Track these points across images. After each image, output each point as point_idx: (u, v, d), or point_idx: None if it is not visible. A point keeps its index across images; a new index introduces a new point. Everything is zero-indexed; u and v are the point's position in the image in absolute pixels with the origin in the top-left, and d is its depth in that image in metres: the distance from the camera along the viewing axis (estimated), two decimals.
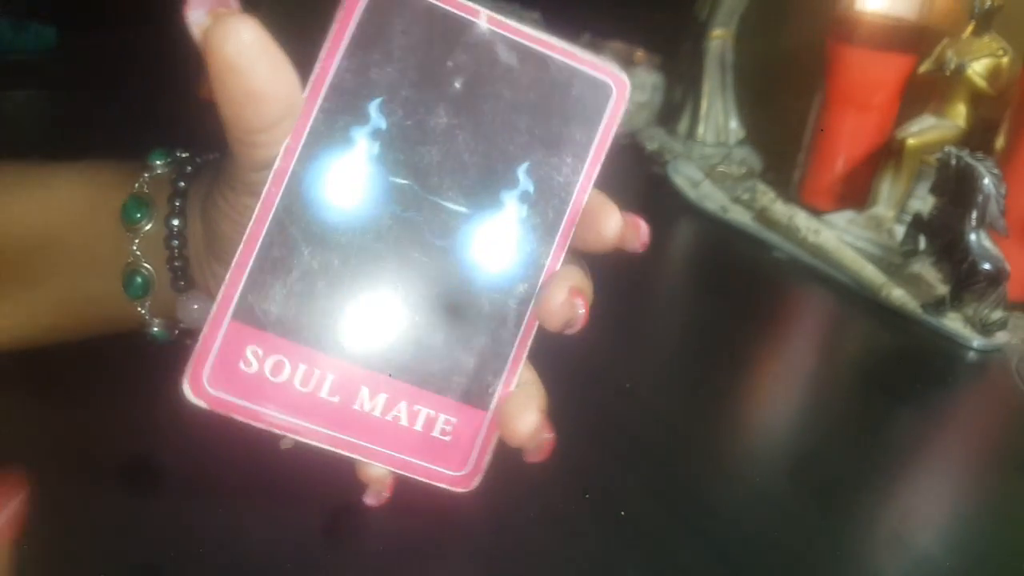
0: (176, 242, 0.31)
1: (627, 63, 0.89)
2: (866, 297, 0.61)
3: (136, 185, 0.32)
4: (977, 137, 0.64)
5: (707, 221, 0.73)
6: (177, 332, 0.35)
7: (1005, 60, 0.63)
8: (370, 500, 0.25)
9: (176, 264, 0.31)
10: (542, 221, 0.25)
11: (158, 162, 0.32)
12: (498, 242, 0.25)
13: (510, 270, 0.25)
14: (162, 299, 0.32)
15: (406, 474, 0.25)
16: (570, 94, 0.25)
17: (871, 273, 0.61)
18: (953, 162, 0.55)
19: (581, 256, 0.27)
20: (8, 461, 0.32)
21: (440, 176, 0.24)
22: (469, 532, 0.31)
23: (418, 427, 0.25)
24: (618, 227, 0.25)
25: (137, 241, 0.31)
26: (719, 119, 0.87)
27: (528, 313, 0.25)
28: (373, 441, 0.24)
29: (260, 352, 0.23)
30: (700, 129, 0.86)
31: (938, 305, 0.56)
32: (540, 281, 0.25)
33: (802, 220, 0.68)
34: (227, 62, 0.21)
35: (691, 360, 0.50)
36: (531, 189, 0.25)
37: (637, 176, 0.82)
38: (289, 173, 0.23)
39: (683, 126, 0.88)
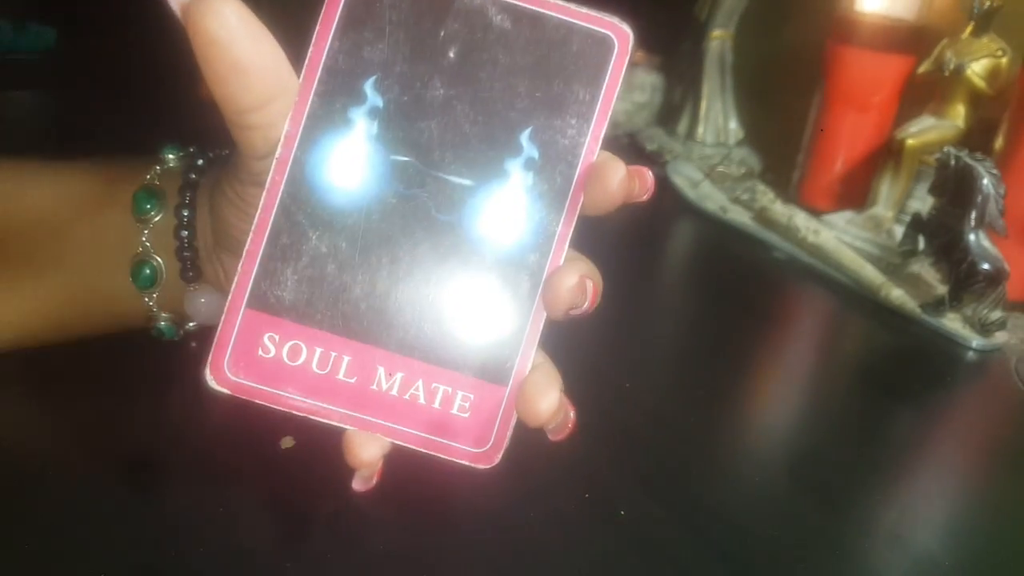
0: (186, 232, 0.31)
1: None
2: (865, 297, 0.61)
3: (147, 177, 0.32)
4: (976, 137, 0.64)
5: (706, 221, 0.73)
6: (183, 332, 0.35)
7: (1004, 60, 0.63)
8: (357, 485, 0.25)
9: (186, 254, 0.31)
10: (550, 187, 0.24)
11: (170, 156, 0.33)
12: (506, 213, 0.24)
13: (520, 240, 0.25)
14: (170, 292, 0.33)
15: (426, 451, 0.25)
16: (570, 51, 0.24)
17: (870, 273, 0.61)
18: (952, 162, 0.55)
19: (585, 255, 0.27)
20: (11, 459, 0.32)
21: (441, 150, 0.24)
22: (469, 532, 0.31)
23: (436, 405, 0.25)
24: (623, 177, 0.24)
25: (147, 232, 0.32)
26: (718, 119, 0.87)
27: (542, 284, 0.25)
28: (392, 420, 0.24)
29: (277, 338, 0.24)
30: (699, 129, 0.86)
31: (937, 305, 0.56)
32: (552, 250, 0.25)
33: (801, 220, 0.68)
34: (209, 36, 0.22)
35: (691, 360, 0.50)
36: (536, 155, 0.24)
37: None
38: (291, 160, 0.23)
39: (683, 126, 0.88)
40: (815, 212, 0.71)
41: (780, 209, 0.70)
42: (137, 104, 0.68)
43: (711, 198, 0.75)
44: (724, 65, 0.86)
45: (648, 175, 0.26)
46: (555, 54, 0.24)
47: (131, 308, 0.33)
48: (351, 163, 0.24)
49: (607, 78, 0.25)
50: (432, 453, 0.25)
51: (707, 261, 0.70)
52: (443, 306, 0.24)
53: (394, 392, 0.24)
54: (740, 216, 0.73)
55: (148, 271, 0.32)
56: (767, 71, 0.85)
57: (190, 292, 0.32)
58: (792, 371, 0.52)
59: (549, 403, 0.25)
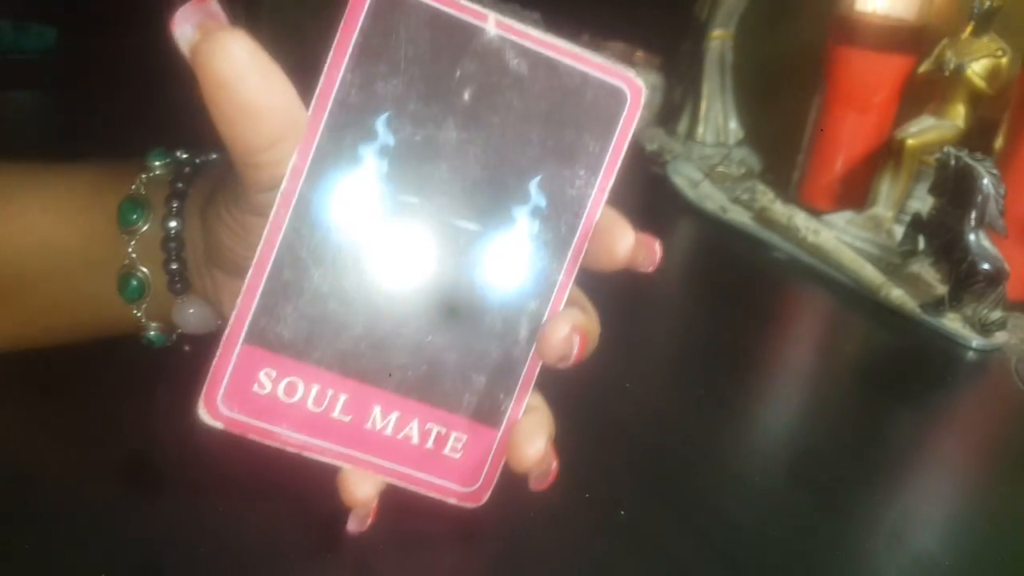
0: (173, 244, 0.30)
1: (627, 63, 0.89)
2: (865, 297, 0.61)
3: (133, 186, 0.31)
4: (976, 137, 0.64)
5: (706, 221, 0.73)
6: (175, 337, 0.34)
7: (1004, 60, 0.63)
8: (352, 526, 0.25)
9: (173, 267, 0.30)
10: (555, 236, 0.24)
11: (156, 163, 0.32)
12: (510, 259, 0.24)
13: (522, 288, 0.24)
14: (158, 302, 0.32)
15: (417, 489, 0.25)
16: (583, 101, 0.24)
17: (870, 273, 0.61)
18: (952, 162, 0.55)
19: (586, 290, 0.27)
20: (9, 460, 0.32)
21: (450, 193, 0.23)
22: (468, 531, 0.31)
23: (429, 445, 0.25)
24: (630, 246, 0.24)
25: (133, 243, 0.31)
26: (718, 119, 0.87)
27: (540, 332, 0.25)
28: (385, 459, 0.25)
29: (273, 374, 0.24)
30: (700, 129, 0.86)
31: (937, 305, 0.56)
32: (552, 298, 0.25)
33: (801, 220, 0.68)
34: (218, 78, 0.21)
35: (691, 360, 0.50)
36: (543, 204, 0.24)
37: (637, 176, 0.82)
38: (297, 194, 0.23)
39: (683, 126, 0.88)
40: (815, 212, 0.71)
41: (780, 209, 0.70)
42: (137, 104, 0.68)
43: (711, 198, 0.75)
44: (724, 65, 0.86)
45: (656, 248, 0.25)
46: (568, 103, 0.24)
47: (121, 317, 0.32)
48: (358, 202, 0.23)
49: (618, 131, 0.25)
50: (421, 491, 0.25)
51: (707, 261, 0.70)
52: (441, 348, 0.24)
53: (388, 431, 0.25)
54: (740, 216, 0.73)
55: (135, 283, 0.31)
56: (767, 71, 0.85)
57: (178, 303, 0.31)
58: (792, 371, 0.52)
59: (535, 451, 0.25)
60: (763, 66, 0.85)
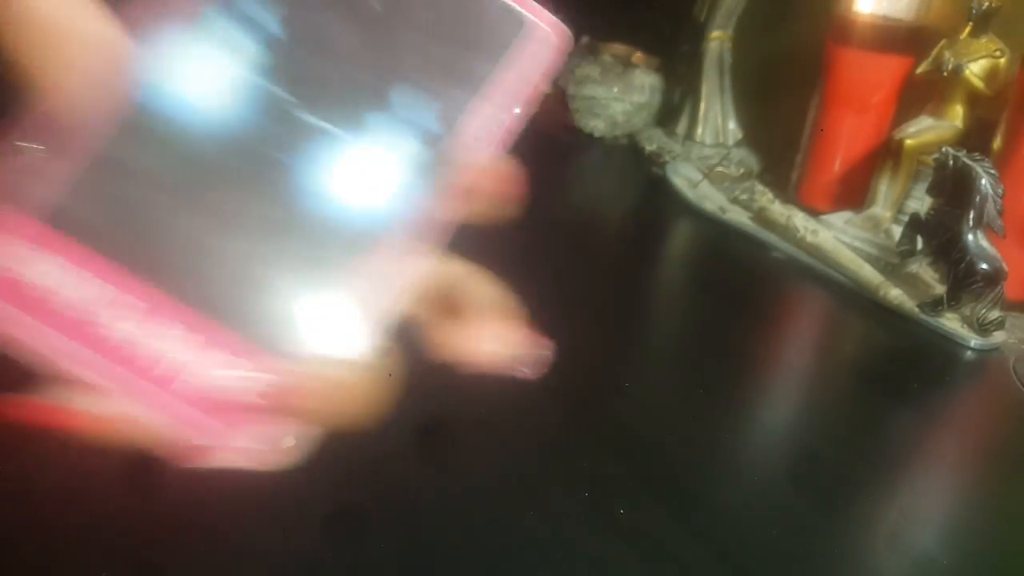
0: None
1: (626, 65, 0.89)
2: (863, 297, 0.61)
3: None
4: (974, 138, 0.65)
5: (705, 221, 0.74)
6: None
7: (1002, 61, 0.63)
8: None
9: None
10: (421, 159, 0.22)
11: None
12: (365, 176, 0.20)
13: (372, 210, 0.20)
14: None
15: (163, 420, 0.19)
16: (494, 29, 0.21)
17: (868, 273, 0.62)
18: (950, 162, 0.55)
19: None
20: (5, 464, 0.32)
21: (315, 87, 0.20)
22: (469, 531, 0.31)
23: (203, 373, 0.18)
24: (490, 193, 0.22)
25: None
26: (717, 120, 0.87)
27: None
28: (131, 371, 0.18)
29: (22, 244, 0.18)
30: (699, 130, 0.86)
31: (935, 305, 0.56)
32: (401, 233, 0.21)
33: (800, 220, 0.68)
34: None
35: (690, 359, 0.50)
36: (419, 120, 0.21)
37: (636, 176, 0.82)
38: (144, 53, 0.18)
39: (682, 127, 0.88)
40: (814, 212, 0.71)
41: (779, 209, 0.70)
42: None
43: (710, 198, 0.75)
44: (723, 66, 0.86)
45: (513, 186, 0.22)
46: (478, 28, 0.21)
47: None
48: (202, 70, 0.20)
49: (524, 65, 0.22)
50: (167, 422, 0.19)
51: (706, 261, 0.70)
52: (252, 264, 0.19)
53: (123, 335, 0.18)
54: (739, 216, 0.73)
55: None
56: (766, 72, 0.85)
57: None
58: (791, 371, 0.52)
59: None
60: (762, 67, 0.85)
